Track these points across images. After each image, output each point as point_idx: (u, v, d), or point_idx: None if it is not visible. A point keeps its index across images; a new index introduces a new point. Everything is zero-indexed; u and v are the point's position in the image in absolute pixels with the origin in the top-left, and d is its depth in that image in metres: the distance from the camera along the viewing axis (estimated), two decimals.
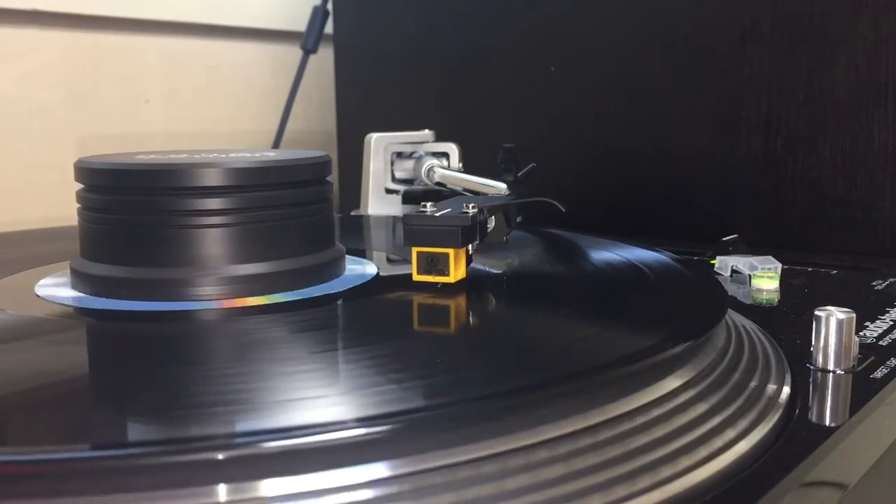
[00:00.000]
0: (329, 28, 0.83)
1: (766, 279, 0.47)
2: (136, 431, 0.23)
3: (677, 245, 0.55)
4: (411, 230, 0.38)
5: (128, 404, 0.25)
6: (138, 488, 0.20)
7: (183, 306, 0.35)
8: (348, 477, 0.21)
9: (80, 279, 0.38)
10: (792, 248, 0.59)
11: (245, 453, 0.21)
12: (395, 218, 0.59)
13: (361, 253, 0.46)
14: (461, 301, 0.37)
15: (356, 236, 0.55)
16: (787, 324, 0.40)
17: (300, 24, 0.83)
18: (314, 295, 0.37)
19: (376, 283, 0.40)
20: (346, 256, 0.42)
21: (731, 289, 0.48)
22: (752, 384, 0.30)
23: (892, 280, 0.50)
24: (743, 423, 0.27)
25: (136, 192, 0.37)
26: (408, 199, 0.63)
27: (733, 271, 0.51)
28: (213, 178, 0.36)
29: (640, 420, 0.26)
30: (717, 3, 0.62)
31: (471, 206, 0.40)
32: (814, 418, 0.29)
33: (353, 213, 0.64)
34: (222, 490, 0.20)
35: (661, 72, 0.64)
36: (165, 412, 0.24)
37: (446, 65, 0.76)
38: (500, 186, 0.55)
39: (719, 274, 0.51)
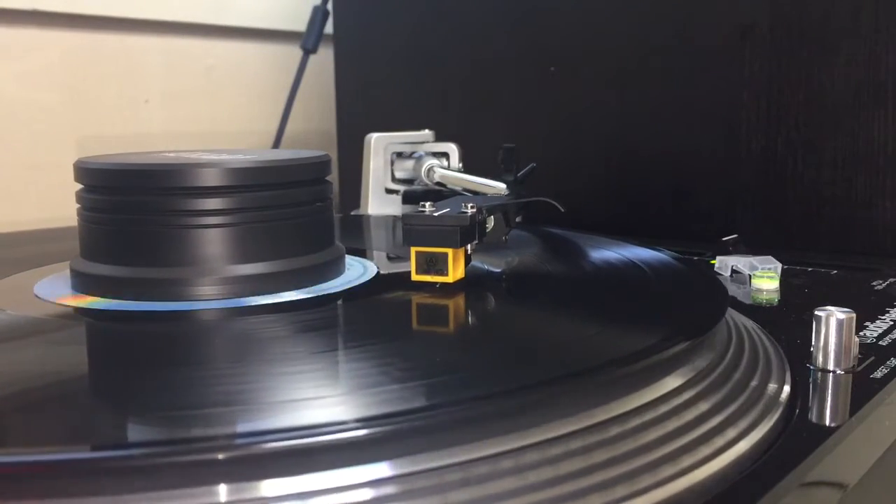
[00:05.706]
0: (329, 28, 0.83)
1: (766, 279, 0.47)
2: (136, 432, 0.23)
3: (677, 245, 0.55)
4: (410, 230, 0.38)
5: (128, 405, 0.25)
6: (138, 489, 0.20)
7: (183, 306, 0.35)
8: (349, 477, 0.21)
9: (80, 279, 0.38)
10: (792, 248, 0.59)
11: (246, 454, 0.21)
12: (395, 218, 0.59)
13: (361, 253, 0.46)
14: (460, 301, 0.37)
15: (356, 236, 0.55)
16: (787, 324, 0.40)
17: (300, 24, 0.83)
18: (314, 295, 0.37)
19: (376, 283, 0.40)
20: (346, 256, 0.42)
21: (731, 289, 0.48)
22: (753, 384, 0.30)
23: (892, 280, 0.50)
24: (743, 423, 0.27)
25: (136, 192, 0.37)
26: (408, 199, 0.63)
27: (733, 271, 0.51)
28: (212, 178, 0.36)
29: (640, 419, 0.26)
30: (717, 3, 0.62)
31: (469, 206, 0.40)
32: (814, 418, 0.29)
33: (353, 213, 0.64)
34: (223, 490, 0.20)
35: (660, 71, 0.64)
36: (166, 412, 0.24)
37: (446, 65, 0.76)
38: (500, 186, 0.55)
39: (719, 274, 0.51)
